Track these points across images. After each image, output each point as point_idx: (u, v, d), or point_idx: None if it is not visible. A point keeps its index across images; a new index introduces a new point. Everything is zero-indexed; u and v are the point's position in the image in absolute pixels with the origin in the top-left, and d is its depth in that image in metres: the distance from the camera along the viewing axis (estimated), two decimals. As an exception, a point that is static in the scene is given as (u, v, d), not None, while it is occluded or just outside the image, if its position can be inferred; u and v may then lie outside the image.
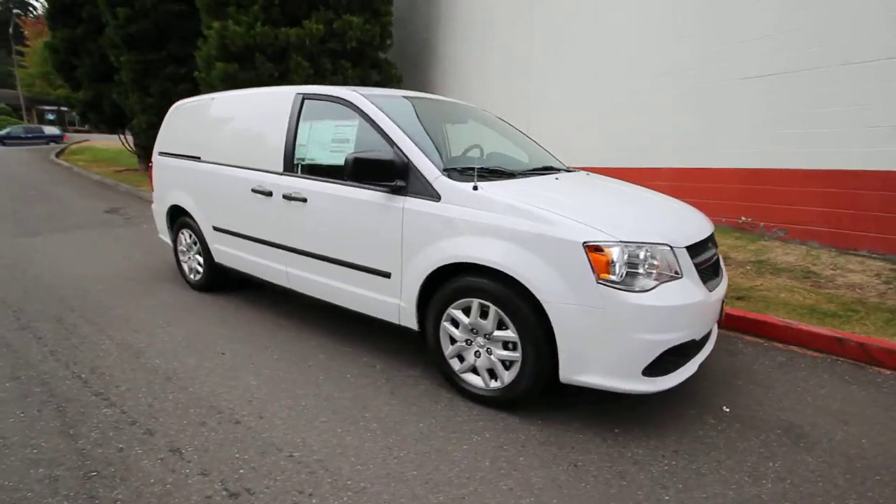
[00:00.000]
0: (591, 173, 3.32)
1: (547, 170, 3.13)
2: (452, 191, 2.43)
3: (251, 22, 8.21)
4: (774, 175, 5.23)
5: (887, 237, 4.59)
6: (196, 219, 4.01)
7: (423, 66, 11.23)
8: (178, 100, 4.58)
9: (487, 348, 2.42)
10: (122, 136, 13.97)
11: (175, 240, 4.43)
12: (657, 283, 2.10)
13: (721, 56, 5.54)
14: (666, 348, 2.08)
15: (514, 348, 2.33)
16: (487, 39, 9.27)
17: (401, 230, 2.58)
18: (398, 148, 2.61)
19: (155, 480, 1.93)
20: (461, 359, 2.55)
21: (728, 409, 2.48)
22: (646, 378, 2.11)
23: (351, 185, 2.79)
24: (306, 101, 3.16)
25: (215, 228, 3.85)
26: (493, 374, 2.45)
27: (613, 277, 2.05)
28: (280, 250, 3.30)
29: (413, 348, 3.15)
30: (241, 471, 1.98)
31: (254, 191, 3.35)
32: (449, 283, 2.47)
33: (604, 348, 2.09)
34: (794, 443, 2.22)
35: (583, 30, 7.26)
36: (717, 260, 2.64)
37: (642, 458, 2.09)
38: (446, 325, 2.53)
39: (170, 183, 4.31)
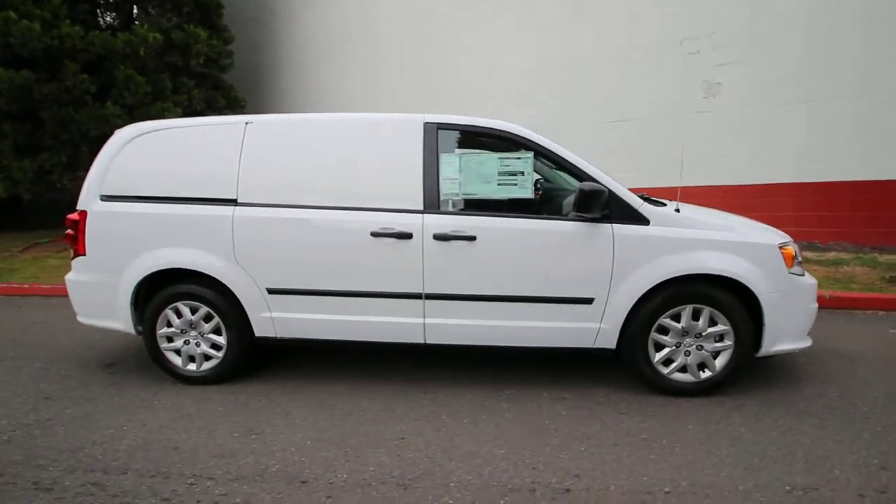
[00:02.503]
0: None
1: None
2: (660, 215, 2.75)
3: (50, 18, 5.87)
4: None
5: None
6: (228, 283, 2.93)
7: (253, 91, 10.08)
8: None
9: (698, 345, 2.82)
10: None
11: (153, 322, 3.05)
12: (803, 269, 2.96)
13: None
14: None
15: (721, 340, 2.81)
16: (349, 67, 9.15)
17: (611, 255, 2.72)
18: (594, 180, 2.75)
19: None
20: (666, 362, 2.86)
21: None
22: (808, 336, 2.93)
23: (544, 218, 2.78)
24: (441, 132, 2.87)
25: (273, 291, 2.93)
26: (701, 366, 2.85)
27: (794, 269, 2.80)
28: (417, 301, 2.84)
29: (568, 370, 3.19)
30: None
31: (375, 234, 2.78)
32: (656, 296, 2.76)
33: (792, 321, 2.80)
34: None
35: (450, 69, 8.10)
36: None
37: (825, 391, 2.88)
38: (655, 334, 2.81)
39: (148, 239, 2.98)
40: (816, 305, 2.94)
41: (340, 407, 2.81)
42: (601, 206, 2.66)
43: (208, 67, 7.60)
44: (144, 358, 3.54)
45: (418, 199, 2.81)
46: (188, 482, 2.16)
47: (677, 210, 2.80)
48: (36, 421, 2.71)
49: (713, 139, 6.71)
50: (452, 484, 2.12)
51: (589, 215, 2.68)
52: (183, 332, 3.07)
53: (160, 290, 3.05)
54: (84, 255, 3.08)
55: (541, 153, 2.84)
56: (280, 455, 2.35)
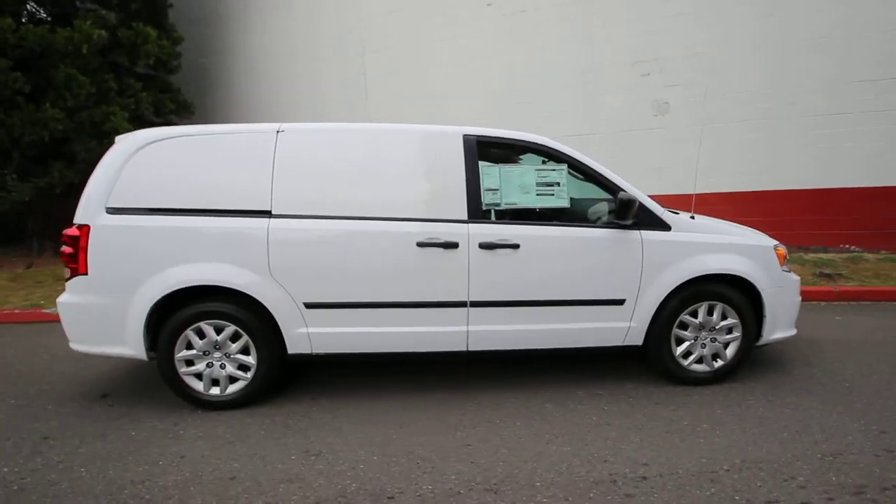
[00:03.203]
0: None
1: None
2: (679, 221, 3.04)
3: (-26, 6, 5.14)
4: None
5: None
6: (262, 299, 2.77)
7: (199, 95, 9.44)
8: None
9: (712, 338, 3.12)
10: None
11: (170, 345, 2.80)
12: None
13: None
14: (799, 305, 3.40)
15: (730, 332, 3.14)
16: (306, 73, 8.91)
17: (640, 259, 2.95)
18: (623, 190, 2.97)
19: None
20: (685, 355, 3.14)
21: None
22: (794, 326, 3.36)
23: (581, 226, 2.96)
24: (480, 144, 2.95)
25: (311, 305, 2.82)
26: (713, 357, 3.16)
27: (784, 267, 3.22)
28: (461, 309, 2.88)
29: (586, 369, 3.38)
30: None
31: (421, 244, 2.79)
32: (678, 295, 3.03)
33: (784, 312, 3.20)
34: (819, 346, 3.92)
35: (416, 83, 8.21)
36: None
37: (822, 376, 3.31)
38: (677, 330, 3.08)
39: (167, 255, 2.75)
40: (800, 298, 3.40)
41: (390, 420, 2.77)
42: (634, 214, 2.89)
43: (156, 69, 7.03)
44: (141, 385, 3.27)
45: (462, 209, 2.86)
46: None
47: (692, 217, 3.12)
48: (46, 465, 2.38)
49: (661, 153, 7.39)
50: (538, 483, 2.19)
51: (623, 222, 2.90)
52: (206, 353, 2.85)
53: (176, 311, 2.82)
54: (85, 273, 2.76)
55: (573, 165, 3.02)
56: (352, 474, 2.28)
